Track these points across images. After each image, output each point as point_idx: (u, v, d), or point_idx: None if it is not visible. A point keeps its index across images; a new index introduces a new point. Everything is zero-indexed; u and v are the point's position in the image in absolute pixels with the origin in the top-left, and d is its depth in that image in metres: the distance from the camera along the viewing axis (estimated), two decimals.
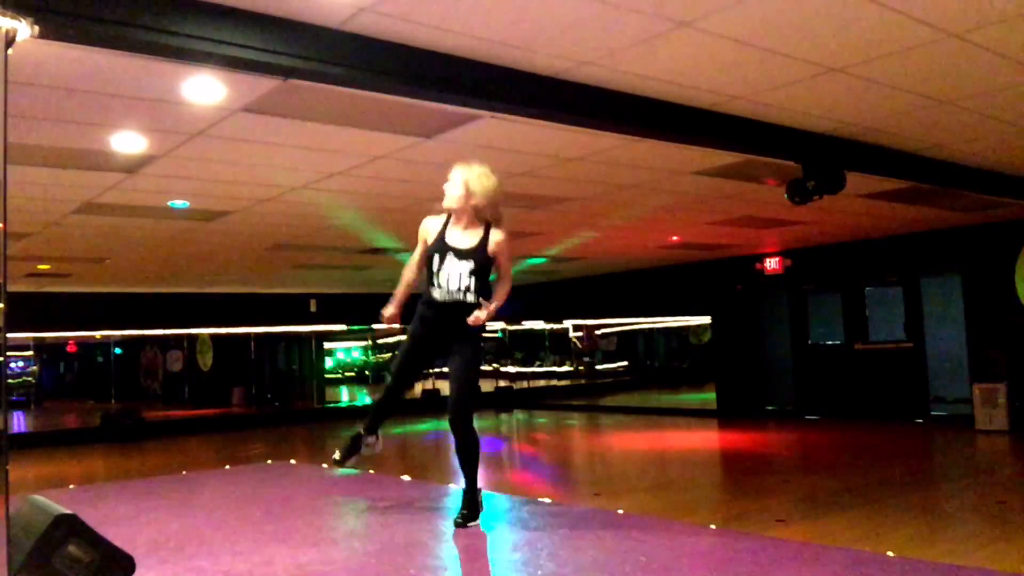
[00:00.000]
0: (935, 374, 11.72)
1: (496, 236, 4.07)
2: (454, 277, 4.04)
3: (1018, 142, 6.23)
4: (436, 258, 4.10)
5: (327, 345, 20.87)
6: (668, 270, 14.31)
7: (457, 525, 4.01)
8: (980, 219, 10.25)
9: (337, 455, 4.49)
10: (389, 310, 4.28)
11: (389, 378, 4.55)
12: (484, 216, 4.08)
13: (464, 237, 4.08)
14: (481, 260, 4.04)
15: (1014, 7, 3.69)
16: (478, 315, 3.97)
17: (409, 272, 4.33)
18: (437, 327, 4.14)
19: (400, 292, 4.28)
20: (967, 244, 10.96)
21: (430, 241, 4.15)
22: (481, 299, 4.03)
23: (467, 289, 4.02)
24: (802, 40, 3.99)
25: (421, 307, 4.19)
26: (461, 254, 4.06)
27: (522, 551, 3.68)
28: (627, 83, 4.49)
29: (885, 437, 10.61)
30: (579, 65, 4.19)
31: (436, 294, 4.07)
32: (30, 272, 11.22)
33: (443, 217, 4.15)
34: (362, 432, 4.49)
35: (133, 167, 5.91)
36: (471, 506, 4.08)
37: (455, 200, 4.07)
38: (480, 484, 4.20)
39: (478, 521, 4.07)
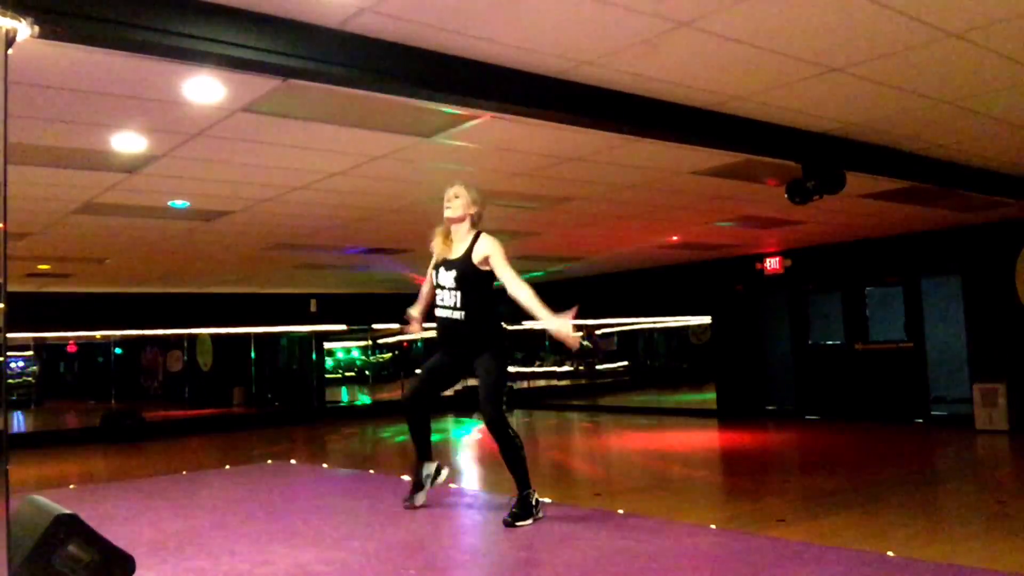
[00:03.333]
0: (935, 374, 11.72)
1: (482, 240, 4.14)
2: (444, 292, 4.14)
3: (1018, 142, 6.23)
4: (434, 273, 4.22)
5: (327, 345, 20.86)
6: (668, 270, 14.31)
7: (505, 524, 4.01)
8: (980, 219, 10.25)
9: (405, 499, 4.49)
10: (413, 311, 4.43)
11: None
12: (477, 226, 4.20)
13: (457, 248, 4.19)
14: (464, 268, 4.09)
15: (1014, 7, 3.69)
16: (567, 341, 3.88)
17: (423, 295, 4.46)
18: (451, 347, 4.19)
19: (417, 312, 4.45)
20: (967, 244, 10.96)
21: (434, 257, 4.28)
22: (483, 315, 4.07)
23: (455, 305, 4.08)
24: (802, 40, 3.99)
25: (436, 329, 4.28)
26: (449, 264, 4.15)
27: (522, 551, 3.68)
28: (627, 83, 4.49)
29: (885, 437, 10.61)
30: (579, 65, 4.19)
31: (436, 312, 4.19)
32: (30, 272, 11.21)
33: (439, 238, 4.26)
34: (414, 471, 4.54)
35: (133, 167, 5.91)
36: (522, 506, 4.08)
37: (459, 208, 4.17)
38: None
39: (530, 521, 4.05)
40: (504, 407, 4.15)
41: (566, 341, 3.91)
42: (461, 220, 4.19)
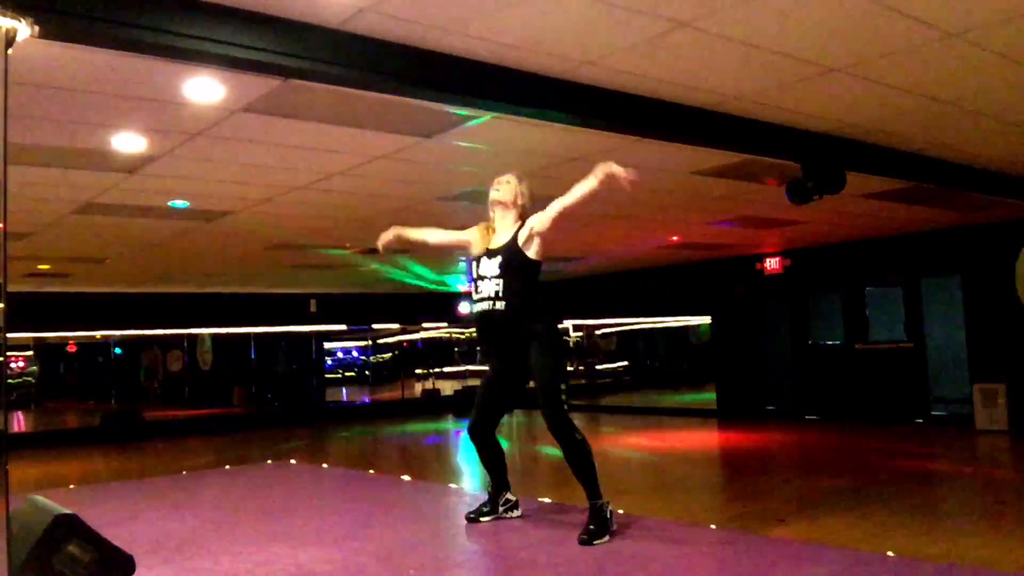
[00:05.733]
0: (935, 374, 11.72)
1: (529, 220, 3.93)
2: (484, 282, 3.88)
3: (1018, 142, 6.23)
4: (474, 264, 3.98)
5: (327, 345, 20.86)
6: (668, 270, 14.31)
7: (582, 543, 3.60)
8: (980, 219, 10.25)
9: (471, 512, 4.17)
10: (385, 236, 4.27)
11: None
12: (523, 218, 4.02)
13: (500, 237, 4.00)
14: (509, 254, 3.86)
15: (1014, 7, 3.69)
16: (619, 174, 3.66)
17: (426, 233, 4.30)
18: (496, 348, 3.92)
19: (406, 232, 4.28)
20: (967, 244, 10.96)
21: (474, 250, 4.05)
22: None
23: (496, 295, 3.80)
24: (802, 40, 3.99)
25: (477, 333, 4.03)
26: (492, 253, 3.93)
27: (522, 551, 3.68)
28: (627, 83, 4.49)
29: (885, 437, 10.61)
30: (579, 65, 4.19)
31: (474, 307, 3.92)
32: (30, 272, 11.21)
33: (481, 230, 4.09)
34: (490, 492, 4.22)
35: (133, 167, 5.91)
36: (596, 520, 3.70)
37: (508, 193, 4.02)
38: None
39: (607, 538, 3.64)
40: (564, 406, 3.83)
41: (616, 176, 3.68)
42: (508, 206, 3.99)
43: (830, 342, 12.87)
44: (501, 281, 3.82)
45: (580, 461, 3.79)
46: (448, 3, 3.42)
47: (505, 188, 4.05)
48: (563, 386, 3.92)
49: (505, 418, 15.32)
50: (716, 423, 13.18)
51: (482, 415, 4.07)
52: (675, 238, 10.92)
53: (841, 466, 8.65)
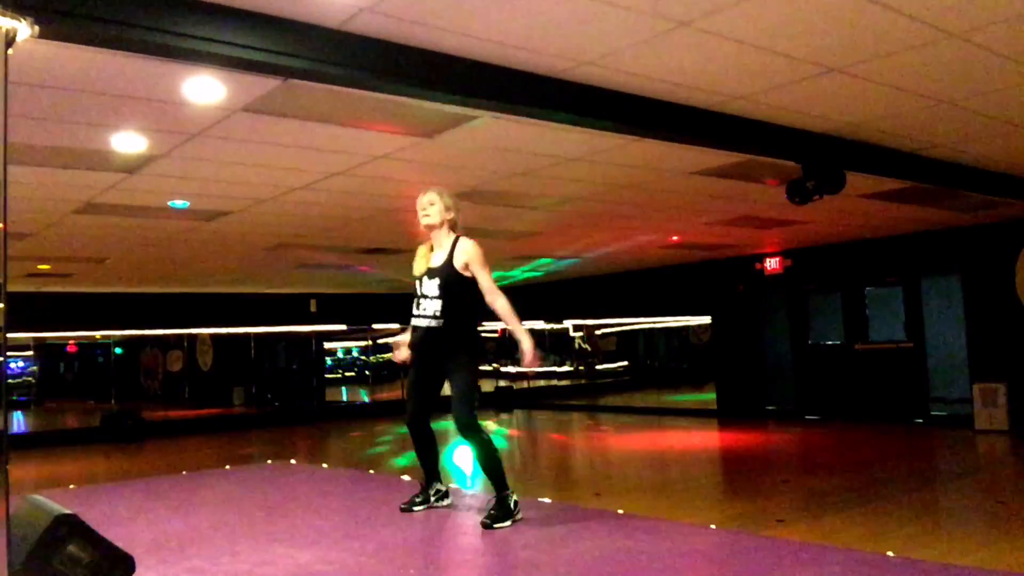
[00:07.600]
0: (935, 374, 11.72)
1: (463, 244, 4.11)
2: (426, 301, 4.11)
3: (1018, 142, 6.23)
4: (417, 284, 4.18)
5: (327, 345, 20.87)
6: (668, 270, 14.31)
7: (484, 526, 3.95)
8: (980, 219, 10.25)
9: (404, 504, 4.41)
10: (402, 351, 4.38)
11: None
12: (455, 231, 4.18)
13: (437, 255, 4.16)
14: (447, 275, 4.06)
15: (1014, 7, 3.69)
16: (527, 359, 4.09)
17: None
18: (427, 355, 4.17)
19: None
20: (967, 244, 10.96)
21: (415, 270, 4.23)
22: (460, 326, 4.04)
23: (435, 313, 4.05)
24: (802, 40, 3.99)
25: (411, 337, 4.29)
26: (432, 273, 4.12)
27: (522, 551, 3.68)
28: (627, 83, 4.49)
29: (885, 437, 10.61)
30: (579, 65, 4.19)
31: (414, 321, 4.16)
32: (30, 272, 11.22)
33: (424, 250, 4.24)
34: (421, 483, 4.49)
35: (133, 167, 5.91)
36: (500, 506, 4.03)
37: (436, 215, 4.15)
38: (489, 486, 4.18)
39: (509, 523, 3.99)
40: (474, 410, 4.13)
41: (525, 356, 4.11)
42: (440, 226, 4.17)
43: (830, 342, 12.87)
44: (440, 302, 4.06)
45: (489, 460, 4.11)
46: (448, 3, 3.42)
47: (432, 210, 4.18)
48: (476, 394, 4.29)
49: (504, 416, 15.32)
50: (716, 423, 13.18)
51: (418, 408, 4.33)
52: (675, 238, 10.92)
53: (841, 466, 8.65)
